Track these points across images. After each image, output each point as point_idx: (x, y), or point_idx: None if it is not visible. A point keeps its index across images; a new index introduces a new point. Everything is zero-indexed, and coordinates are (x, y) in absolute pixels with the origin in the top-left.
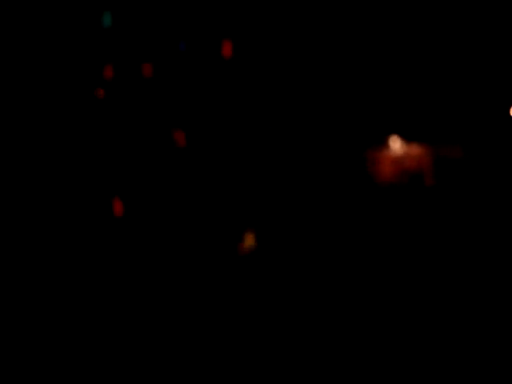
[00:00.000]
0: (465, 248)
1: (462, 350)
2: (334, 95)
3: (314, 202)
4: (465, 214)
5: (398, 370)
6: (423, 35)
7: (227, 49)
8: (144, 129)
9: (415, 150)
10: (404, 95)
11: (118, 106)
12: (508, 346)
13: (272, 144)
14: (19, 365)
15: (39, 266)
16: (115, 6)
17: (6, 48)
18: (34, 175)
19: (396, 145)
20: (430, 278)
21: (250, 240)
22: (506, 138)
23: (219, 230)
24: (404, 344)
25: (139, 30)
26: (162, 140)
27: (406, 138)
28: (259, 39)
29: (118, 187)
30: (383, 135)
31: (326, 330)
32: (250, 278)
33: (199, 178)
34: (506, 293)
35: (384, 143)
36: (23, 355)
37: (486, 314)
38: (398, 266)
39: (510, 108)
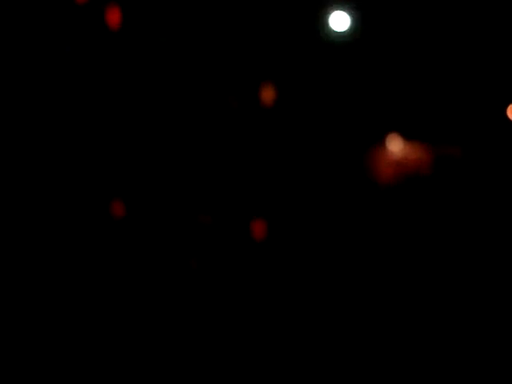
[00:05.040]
0: (464, 247)
1: (461, 350)
2: (335, 95)
3: (314, 201)
4: (464, 213)
5: (398, 370)
6: (423, 36)
7: None
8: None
9: (415, 149)
10: (404, 95)
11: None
12: (508, 346)
13: (272, 144)
14: (19, 365)
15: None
16: None
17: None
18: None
19: (396, 145)
20: (430, 278)
21: None
22: (504, 138)
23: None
24: (404, 343)
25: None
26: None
27: (406, 137)
28: (260, 40)
29: (118, 188)
30: (383, 135)
31: (325, 328)
32: (250, 278)
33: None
34: (506, 292)
35: (384, 143)
36: (23, 355)
37: (486, 314)
38: (398, 265)
39: (507, 108)
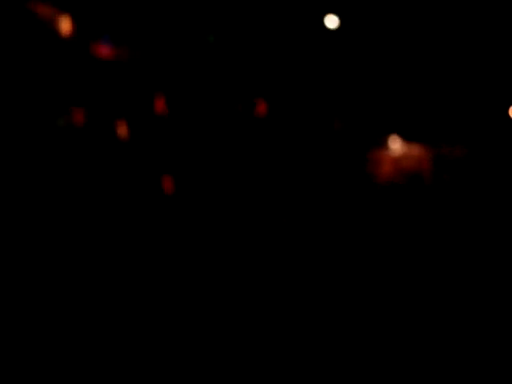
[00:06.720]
0: (464, 247)
1: (462, 350)
2: (335, 96)
3: (314, 201)
4: (464, 213)
5: (398, 370)
6: (423, 35)
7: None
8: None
9: (415, 150)
10: (404, 95)
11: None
12: (508, 346)
13: (273, 144)
14: (19, 365)
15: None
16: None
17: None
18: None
19: (396, 145)
20: (430, 277)
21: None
22: (505, 138)
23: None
24: (403, 343)
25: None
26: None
27: (406, 138)
28: (264, 39)
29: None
30: (383, 135)
31: (324, 328)
32: (253, 277)
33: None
34: (506, 293)
35: (384, 143)
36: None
37: (486, 314)
38: (398, 265)
39: (509, 108)
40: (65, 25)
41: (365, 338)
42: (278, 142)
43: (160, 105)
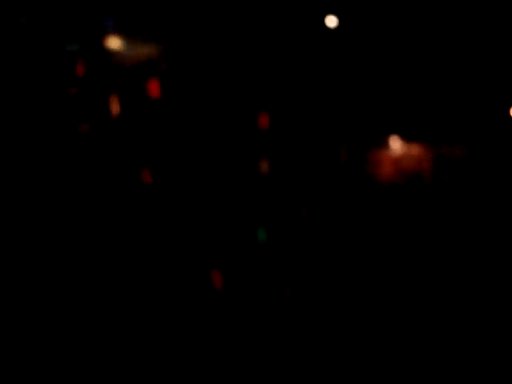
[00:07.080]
0: (464, 247)
1: (461, 350)
2: (335, 96)
3: (314, 201)
4: (464, 213)
5: (398, 370)
6: (423, 35)
7: None
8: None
9: (415, 149)
10: (404, 95)
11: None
12: (508, 346)
13: (272, 143)
14: (19, 363)
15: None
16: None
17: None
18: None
19: (396, 145)
20: (430, 277)
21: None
22: (506, 138)
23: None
24: (404, 343)
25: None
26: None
27: (406, 138)
28: (265, 40)
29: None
30: (383, 135)
31: (324, 329)
32: (253, 279)
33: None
34: (506, 292)
35: (384, 143)
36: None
37: (486, 314)
38: (398, 265)
39: (510, 108)
40: None
41: (365, 338)
42: (272, 135)
43: (154, 89)
